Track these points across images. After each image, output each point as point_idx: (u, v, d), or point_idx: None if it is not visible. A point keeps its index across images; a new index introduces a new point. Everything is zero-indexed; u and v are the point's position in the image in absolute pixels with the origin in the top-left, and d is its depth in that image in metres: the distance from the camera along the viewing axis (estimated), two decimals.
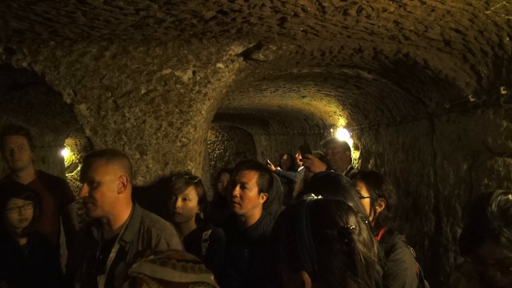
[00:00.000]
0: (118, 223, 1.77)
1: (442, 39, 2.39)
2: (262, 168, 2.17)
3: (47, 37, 2.30)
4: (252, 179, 2.09)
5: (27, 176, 2.78)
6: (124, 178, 1.77)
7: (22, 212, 2.23)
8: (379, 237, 1.90)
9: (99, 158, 1.75)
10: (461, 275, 1.49)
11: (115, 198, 1.74)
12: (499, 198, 1.27)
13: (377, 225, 1.95)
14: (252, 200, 2.07)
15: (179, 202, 2.19)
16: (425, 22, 2.15)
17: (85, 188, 1.71)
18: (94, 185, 1.71)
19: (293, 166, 6.36)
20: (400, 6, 1.94)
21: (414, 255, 1.93)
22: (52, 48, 2.45)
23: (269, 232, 2.03)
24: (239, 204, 2.07)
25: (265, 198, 2.13)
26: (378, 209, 1.97)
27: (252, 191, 2.07)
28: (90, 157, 1.77)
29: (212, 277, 0.91)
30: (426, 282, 1.93)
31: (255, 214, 2.12)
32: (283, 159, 6.52)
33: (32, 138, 2.89)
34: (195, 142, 2.66)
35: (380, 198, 1.98)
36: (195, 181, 2.28)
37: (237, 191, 2.07)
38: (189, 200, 2.22)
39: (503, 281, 1.23)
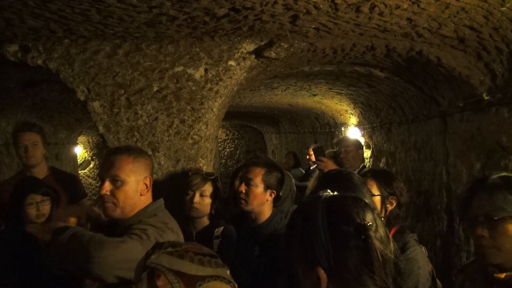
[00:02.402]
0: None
1: (456, 37, 2.36)
2: (270, 165, 2.16)
3: (61, 35, 2.34)
4: (258, 176, 2.08)
5: (40, 172, 2.82)
6: (148, 179, 1.68)
7: (39, 208, 2.27)
8: (390, 236, 1.89)
9: (126, 156, 1.65)
10: (465, 277, 1.48)
11: (137, 200, 1.64)
12: (499, 174, 1.32)
13: (388, 224, 1.93)
14: (257, 196, 2.07)
15: (197, 198, 2.22)
16: (439, 19, 2.13)
17: (107, 186, 1.61)
18: (117, 184, 1.61)
19: (297, 165, 6.35)
20: (413, 3, 1.93)
21: (426, 254, 1.92)
22: (67, 46, 2.48)
23: (279, 230, 2.04)
24: (244, 200, 2.07)
25: (273, 195, 2.12)
26: (389, 207, 1.95)
27: (258, 187, 2.07)
28: (116, 153, 1.67)
29: (228, 272, 0.92)
30: (438, 282, 1.91)
31: (265, 211, 2.12)
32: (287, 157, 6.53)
33: (45, 135, 2.94)
34: (207, 140, 2.67)
35: (391, 196, 1.96)
36: (212, 177, 2.31)
37: (243, 187, 2.08)
38: (206, 196, 2.25)
39: (489, 243, 1.23)
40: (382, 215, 1.93)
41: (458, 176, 3.17)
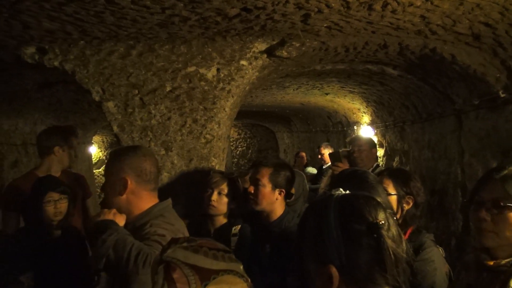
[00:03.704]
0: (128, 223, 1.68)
1: (470, 33, 2.33)
2: (277, 165, 2.17)
3: (77, 37, 2.38)
4: (265, 176, 2.11)
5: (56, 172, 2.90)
6: (126, 179, 1.63)
7: (57, 206, 2.32)
8: (406, 236, 1.85)
9: (110, 156, 1.73)
10: (461, 267, 1.51)
11: (119, 199, 1.64)
12: None
13: (405, 224, 1.90)
14: (266, 196, 2.09)
15: (215, 196, 2.27)
16: (453, 16, 2.10)
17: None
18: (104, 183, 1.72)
19: (306, 164, 6.43)
20: (427, 0, 1.91)
21: (444, 255, 1.89)
22: (82, 47, 2.52)
23: (291, 228, 2.05)
24: (254, 200, 2.10)
25: (283, 194, 2.14)
26: (406, 207, 1.92)
27: (266, 187, 2.09)
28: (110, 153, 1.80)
29: (241, 267, 0.94)
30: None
31: (276, 210, 2.13)
32: (298, 157, 6.55)
33: None
34: (219, 139, 2.69)
35: (408, 196, 1.93)
36: (232, 176, 2.33)
37: (251, 187, 2.11)
38: (223, 195, 2.27)
39: (489, 227, 1.27)
40: (398, 214, 1.90)
41: (473, 175, 3.13)
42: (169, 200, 1.77)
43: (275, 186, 2.10)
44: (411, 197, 1.93)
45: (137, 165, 1.65)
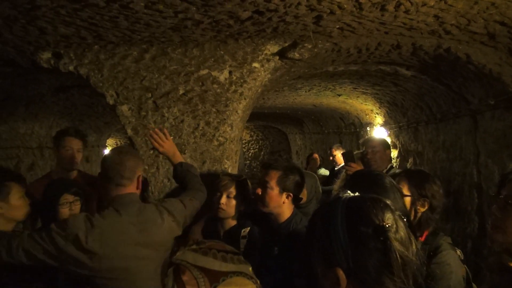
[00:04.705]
0: None
1: (485, 33, 2.30)
2: (287, 168, 2.16)
3: (91, 42, 2.42)
4: (273, 179, 2.10)
5: (71, 175, 2.94)
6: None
7: (72, 208, 2.34)
8: (423, 238, 1.83)
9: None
10: (486, 269, 1.50)
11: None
12: None
13: (420, 226, 1.87)
14: (273, 198, 2.08)
15: (223, 199, 2.27)
16: (468, 15, 2.07)
17: None
18: None
19: (320, 165, 6.41)
20: None
21: (462, 257, 1.84)
22: (96, 52, 2.56)
23: (298, 230, 2.04)
24: (261, 202, 2.10)
25: (290, 197, 2.13)
26: (421, 209, 1.87)
27: (274, 190, 2.08)
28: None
29: (250, 268, 0.94)
30: (474, 286, 1.85)
31: (284, 213, 2.13)
32: (312, 159, 6.53)
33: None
34: (232, 141, 2.70)
35: (423, 198, 1.90)
36: (240, 179, 2.33)
37: (259, 189, 2.11)
38: (232, 198, 2.28)
39: (499, 223, 1.32)
40: (412, 217, 1.87)
41: (489, 176, 3.07)
42: (124, 195, 1.84)
43: (282, 189, 2.10)
44: (427, 199, 1.89)
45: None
